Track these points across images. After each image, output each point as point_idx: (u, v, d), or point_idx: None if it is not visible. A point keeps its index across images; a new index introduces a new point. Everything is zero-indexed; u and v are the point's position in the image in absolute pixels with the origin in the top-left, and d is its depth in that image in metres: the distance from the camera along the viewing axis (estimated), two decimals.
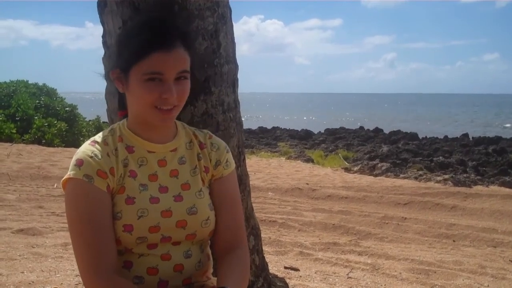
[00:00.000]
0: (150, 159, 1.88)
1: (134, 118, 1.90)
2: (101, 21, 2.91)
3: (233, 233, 1.97)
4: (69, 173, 1.76)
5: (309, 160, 17.54)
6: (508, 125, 48.73)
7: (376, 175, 14.29)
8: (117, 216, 1.77)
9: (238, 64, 3.17)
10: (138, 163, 1.86)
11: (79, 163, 1.76)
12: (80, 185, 1.74)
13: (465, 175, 14.00)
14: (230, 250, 1.95)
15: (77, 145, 17.75)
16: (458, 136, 26.98)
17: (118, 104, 2.09)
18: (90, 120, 22.17)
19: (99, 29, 2.95)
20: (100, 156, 1.78)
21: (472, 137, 26.10)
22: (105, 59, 2.95)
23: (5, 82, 21.73)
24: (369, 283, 4.53)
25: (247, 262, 1.98)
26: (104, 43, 2.93)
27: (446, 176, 13.16)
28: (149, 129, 1.88)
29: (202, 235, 1.90)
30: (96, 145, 1.82)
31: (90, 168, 1.75)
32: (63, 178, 1.78)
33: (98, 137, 1.88)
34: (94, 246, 1.71)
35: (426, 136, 27.40)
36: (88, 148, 1.80)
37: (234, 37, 3.12)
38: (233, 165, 2.05)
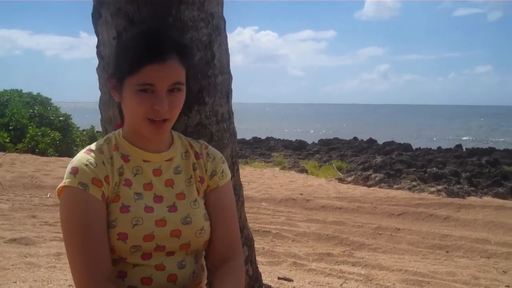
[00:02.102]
0: (145, 168, 1.88)
1: (129, 127, 1.90)
2: (95, 32, 2.92)
3: (228, 244, 1.96)
4: (64, 181, 1.76)
5: (303, 170, 17.54)
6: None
7: (369, 186, 14.31)
8: (111, 224, 1.77)
9: (232, 74, 3.18)
10: (133, 172, 1.86)
11: (74, 171, 1.76)
12: (75, 193, 1.74)
13: (458, 186, 14.02)
14: (225, 261, 1.94)
15: (71, 154, 17.70)
16: (452, 147, 27.06)
17: (120, 114, 2.09)
18: (84, 130, 22.14)
19: (94, 39, 2.96)
20: (95, 165, 1.78)
21: (466, 148, 26.18)
22: (99, 69, 2.96)
23: None
24: None
25: (242, 274, 1.97)
26: (98, 54, 2.93)
27: (440, 187, 13.19)
28: (144, 139, 1.88)
29: (197, 245, 1.90)
30: (92, 154, 1.82)
31: (85, 176, 1.75)
32: (58, 186, 1.78)
33: (94, 145, 1.88)
34: (89, 254, 1.71)
35: (419, 147, 27.45)
36: (83, 156, 1.81)
37: (228, 48, 3.14)
38: (229, 175, 2.04)
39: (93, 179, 1.76)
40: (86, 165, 1.77)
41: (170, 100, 1.78)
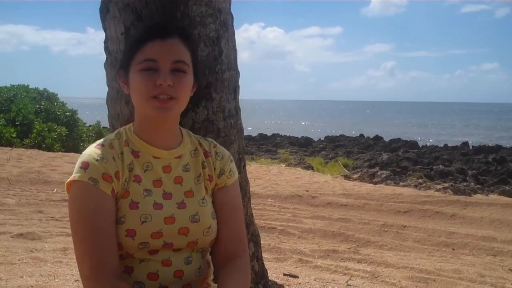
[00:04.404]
0: (155, 165, 1.87)
1: (139, 120, 1.90)
2: (103, 27, 2.93)
3: (234, 243, 1.97)
4: (74, 175, 1.75)
5: (309, 167, 17.53)
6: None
7: (375, 183, 14.29)
8: (120, 221, 1.77)
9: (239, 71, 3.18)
10: (143, 168, 1.86)
11: (85, 166, 1.75)
12: (85, 188, 1.73)
13: (465, 183, 14.00)
14: (231, 259, 1.94)
15: (77, 150, 17.74)
16: (458, 145, 26.99)
17: (131, 112, 2.10)
18: (90, 125, 22.18)
19: (100, 35, 2.97)
20: (106, 160, 1.77)
21: (472, 146, 26.11)
22: (107, 65, 2.96)
23: (5, 87, 21.71)
24: None
25: (248, 272, 1.98)
26: (106, 49, 2.94)
27: (446, 185, 13.17)
28: (153, 132, 1.88)
29: (204, 243, 1.90)
30: (102, 148, 1.81)
31: (95, 171, 1.74)
32: (68, 180, 1.77)
33: (104, 140, 1.87)
34: (96, 250, 1.71)
35: (426, 144, 27.44)
36: (94, 151, 1.80)
37: (235, 44, 3.14)
38: (236, 174, 2.05)
39: (104, 175, 1.75)
40: (97, 160, 1.76)
41: (174, 78, 1.79)
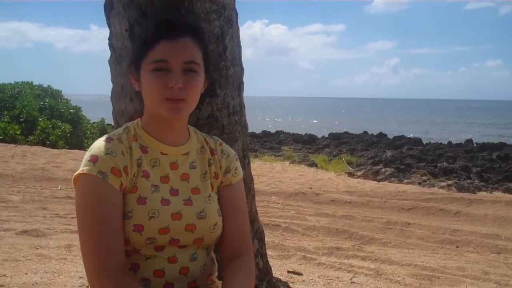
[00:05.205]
0: (162, 161, 1.88)
1: (148, 117, 1.90)
2: (107, 24, 2.92)
3: (239, 240, 1.97)
4: (83, 168, 1.74)
5: (313, 164, 17.50)
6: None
7: (379, 180, 14.27)
8: (127, 216, 1.76)
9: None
10: (151, 164, 1.86)
11: (94, 159, 1.74)
12: (93, 181, 1.72)
13: (469, 181, 13.96)
14: (236, 257, 1.95)
15: (81, 147, 17.77)
16: (462, 142, 26.91)
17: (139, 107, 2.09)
18: (94, 122, 22.19)
19: (104, 32, 2.97)
20: (115, 154, 1.77)
21: (476, 143, 26.02)
22: (111, 61, 2.96)
23: (10, 84, 21.74)
24: None
25: (252, 269, 1.98)
26: (111, 46, 2.93)
27: (450, 182, 13.13)
28: (163, 130, 1.88)
29: (210, 240, 1.91)
30: (111, 142, 1.81)
31: (105, 165, 1.74)
32: (75, 173, 1.76)
33: (113, 134, 1.87)
34: (103, 245, 1.70)
35: (430, 142, 27.33)
36: (103, 144, 1.79)
37: (240, 40, 3.13)
38: (241, 173, 2.06)
39: (113, 169, 1.75)
40: (106, 153, 1.76)
41: (185, 79, 1.79)
